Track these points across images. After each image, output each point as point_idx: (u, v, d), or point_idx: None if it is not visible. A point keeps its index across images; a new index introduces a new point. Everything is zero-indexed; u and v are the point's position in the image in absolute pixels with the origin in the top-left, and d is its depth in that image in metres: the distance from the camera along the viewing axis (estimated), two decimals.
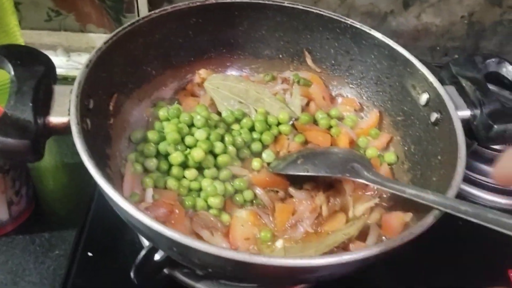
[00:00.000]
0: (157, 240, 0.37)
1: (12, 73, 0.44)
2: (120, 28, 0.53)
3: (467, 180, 0.69)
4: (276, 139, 0.59)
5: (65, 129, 0.43)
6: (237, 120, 0.59)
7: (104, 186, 0.37)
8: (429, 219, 0.40)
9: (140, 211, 0.36)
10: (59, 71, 0.82)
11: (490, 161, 0.71)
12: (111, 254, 0.56)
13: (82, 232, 0.58)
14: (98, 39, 0.88)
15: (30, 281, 0.54)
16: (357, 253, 0.36)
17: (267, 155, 0.57)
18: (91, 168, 0.38)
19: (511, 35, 0.94)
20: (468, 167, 0.70)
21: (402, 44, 0.94)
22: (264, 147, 0.58)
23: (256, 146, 0.57)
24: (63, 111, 0.44)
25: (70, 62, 0.86)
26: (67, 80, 0.81)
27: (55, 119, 0.44)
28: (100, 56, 0.49)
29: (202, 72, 0.64)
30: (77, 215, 0.60)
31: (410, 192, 0.45)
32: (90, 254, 0.55)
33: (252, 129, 0.59)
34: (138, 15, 0.83)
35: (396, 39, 0.93)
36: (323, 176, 0.52)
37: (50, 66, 0.47)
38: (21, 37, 0.71)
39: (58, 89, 0.46)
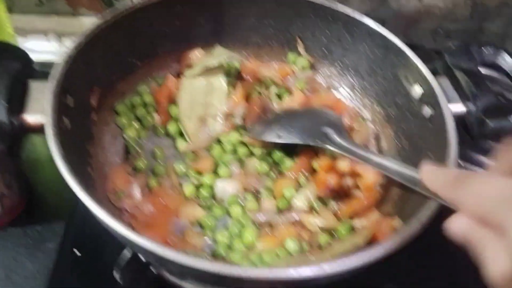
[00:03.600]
0: (133, 247, 0.37)
1: None
2: (102, 21, 0.51)
3: None
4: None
5: (41, 128, 0.42)
6: None
7: (77, 191, 0.37)
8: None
9: (110, 217, 0.35)
10: (51, 57, 0.81)
11: (488, 151, 0.69)
12: (99, 250, 0.54)
13: (70, 225, 0.57)
14: (90, 22, 0.85)
15: (23, 275, 0.54)
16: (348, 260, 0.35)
17: None
18: (66, 174, 0.37)
19: None
20: (466, 157, 0.68)
21: (403, 27, 0.93)
22: None
23: None
24: (39, 109, 0.43)
25: (62, 47, 0.84)
26: None
27: (31, 117, 0.43)
28: (81, 50, 0.48)
29: (198, 53, 0.62)
30: (69, 207, 0.58)
31: (375, 160, 0.46)
32: (77, 252, 0.54)
33: None
34: None
35: (396, 21, 0.92)
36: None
37: (27, 61, 0.45)
38: (10, 28, 0.70)
39: (35, 85, 0.45)
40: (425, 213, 0.39)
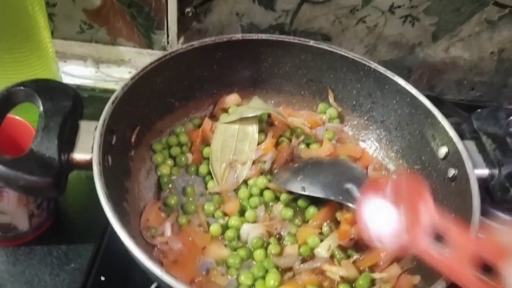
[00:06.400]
0: (160, 283, 0.39)
1: (41, 108, 0.46)
2: (147, 64, 0.54)
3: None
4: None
5: (87, 166, 0.45)
6: None
7: (117, 229, 0.39)
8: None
9: (146, 257, 0.38)
10: (87, 82, 0.86)
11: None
12: (125, 278, 0.56)
13: (98, 251, 0.59)
14: (127, 52, 0.90)
15: None
16: None
17: None
18: (109, 212, 0.40)
19: None
20: (485, 213, 0.69)
21: (428, 76, 0.96)
22: None
23: None
24: (87, 148, 0.45)
25: (98, 73, 0.88)
26: (95, 91, 0.83)
27: (79, 156, 0.45)
28: (126, 91, 0.51)
29: (234, 98, 0.65)
30: (95, 230, 0.61)
31: None
32: (103, 278, 0.56)
33: None
34: (167, 33, 0.85)
35: (422, 71, 0.94)
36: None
37: (78, 101, 0.48)
38: (53, 52, 0.73)
39: (83, 125, 0.47)
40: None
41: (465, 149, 0.51)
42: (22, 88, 0.46)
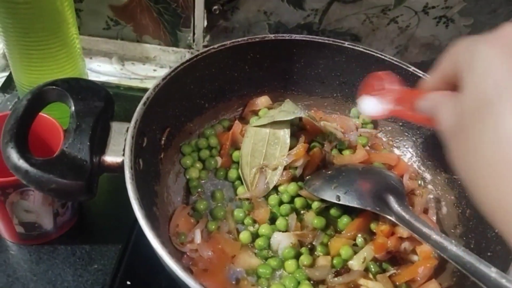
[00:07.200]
0: None
1: (73, 108, 0.45)
2: (178, 64, 0.53)
3: None
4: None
5: (118, 169, 0.44)
6: None
7: (150, 238, 0.38)
8: None
9: (179, 267, 0.36)
10: (112, 79, 0.85)
11: None
12: (151, 282, 0.55)
13: (124, 255, 0.58)
14: (153, 49, 0.89)
15: None
16: None
17: None
18: (142, 220, 0.39)
19: None
20: None
21: None
22: None
23: None
24: (118, 151, 0.44)
25: (123, 71, 0.87)
26: (119, 89, 0.82)
27: (110, 158, 0.44)
28: (158, 92, 0.50)
29: (265, 100, 0.63)
30: (119, 231, 0.60)
31: (435, 239, 0.44)
32: (128, 282, 0.55)
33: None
34: (193, 30, 0.84)
35: None
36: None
37: (109, 101, 0.47)
38: (80, 48, 0.73)
39: (115, 126, 0.46)
40: None
41: None
42: (54, 87, 0.45)
